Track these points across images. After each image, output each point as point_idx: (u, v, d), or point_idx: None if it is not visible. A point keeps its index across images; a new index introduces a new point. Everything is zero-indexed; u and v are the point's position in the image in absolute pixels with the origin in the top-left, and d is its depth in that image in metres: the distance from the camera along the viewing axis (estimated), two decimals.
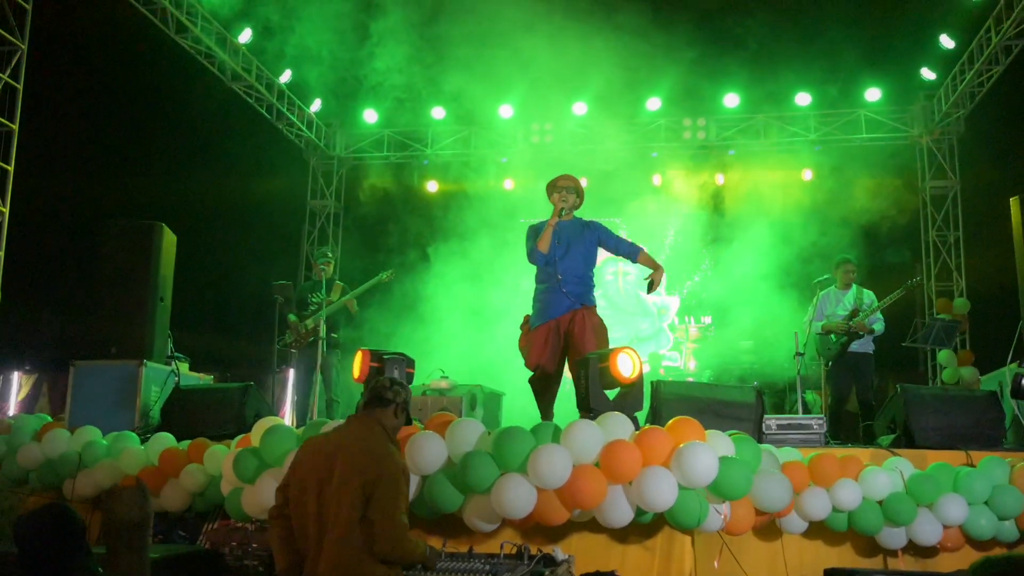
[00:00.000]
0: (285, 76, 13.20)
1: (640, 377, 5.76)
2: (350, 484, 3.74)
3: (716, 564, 5.22)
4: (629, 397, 5.69)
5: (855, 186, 12.89)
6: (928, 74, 12.84)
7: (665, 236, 13.69)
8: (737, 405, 6.81)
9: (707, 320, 13.58)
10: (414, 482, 4.87)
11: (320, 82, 13.48)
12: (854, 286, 9.18)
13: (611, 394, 5.90)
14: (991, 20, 11.24)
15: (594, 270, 6.91)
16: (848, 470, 5.61)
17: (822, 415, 7.09)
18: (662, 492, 4.69)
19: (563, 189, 6.84)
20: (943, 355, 12.94)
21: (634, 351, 5.84)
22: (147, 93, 11.46)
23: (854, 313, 8.92)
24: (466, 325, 11.98)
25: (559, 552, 4.51)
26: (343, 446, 3.92)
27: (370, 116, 14.51)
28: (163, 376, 8.02)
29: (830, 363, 8.98)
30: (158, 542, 6.10)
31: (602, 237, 6.89)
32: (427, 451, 4.91)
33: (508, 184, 14.23)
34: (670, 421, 5.10)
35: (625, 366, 5.74)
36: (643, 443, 4.86)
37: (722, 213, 13.33)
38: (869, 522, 5.50)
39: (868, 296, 9.08)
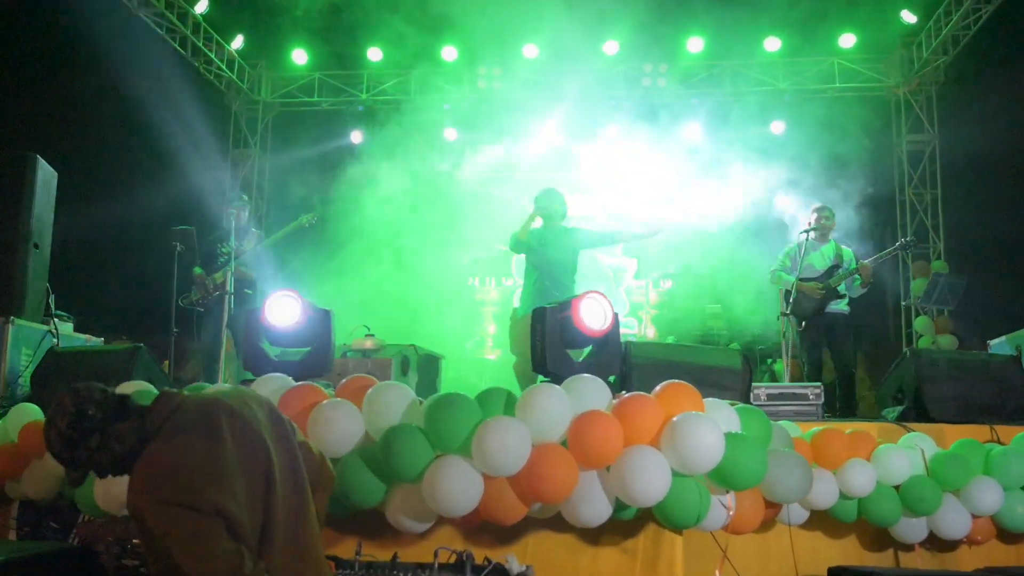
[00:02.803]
0: (201, 5, 11.67)
1: (614, 330, 4.58)
2: None
3: (718, 574, 4.05)
4: (601, 357, 4.51)
5: (826, 141, 11.84)
6: (908, 17, 11.77)
7: (622, 191, 12.54)
8: (721, 371, 5.70)
9: (667, 285, 12.46)
10: None
11: (242, 14, 12.07)
12: (832, 240, 8.13)
13: (577, 356, 4.74)
14: None
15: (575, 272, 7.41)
16: (859, 448, 4.61)
17: (818, 383, 6.03)
18: (651, 480, 3.52)
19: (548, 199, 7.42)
20: (920, 321, 12.04)
21: (603, 296, 4.66)
22: (34, 14, 9.89)
23: (832, 270, 7.88)
24: (398, 282, 10.75)
25: (513, 561, 3.33)
26: None
27: (299, 56, 13.05)
28: (37, 337, 6.68)
29: (803, 323, 7.91)
30: (24, 535, 5.03)
31: (583, 237, 7.52)
32: (337, 425, 3.68)
33: (450, 134, 12.90)
34: (660, 386, 3.92)
35: (592, 315, 4.58)
36: (625, 415, 3.67)
37: (684, 166, 12.17)
38: (884, 511, 4.52)
39: (847, 255, 8.04)
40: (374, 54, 12.81)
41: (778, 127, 12.44)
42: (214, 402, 2.76)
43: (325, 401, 3.78)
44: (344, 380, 3.94)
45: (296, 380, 4.08)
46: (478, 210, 11.99)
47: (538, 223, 7.46)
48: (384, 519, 3.78)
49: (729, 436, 3.68)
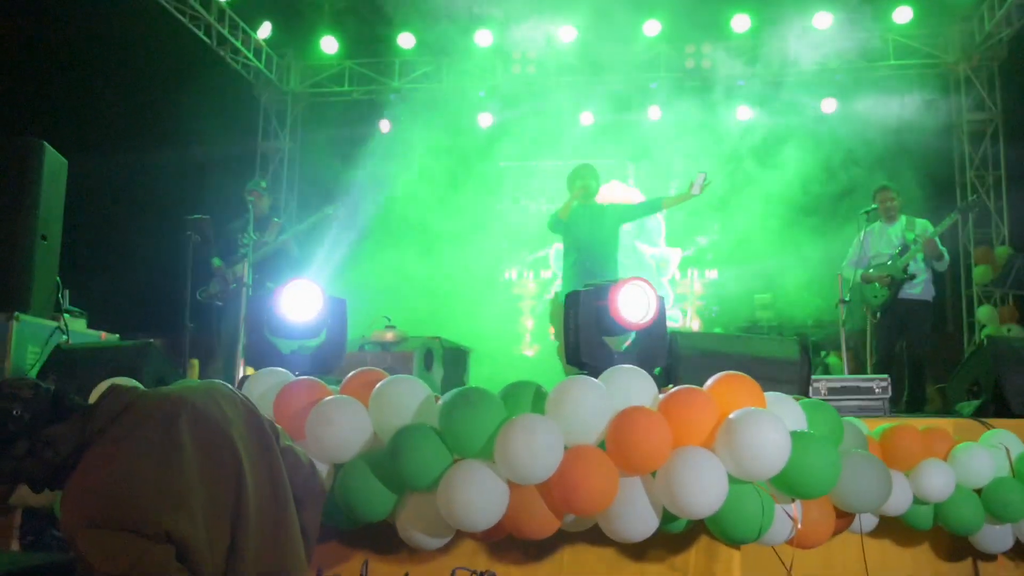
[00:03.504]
0: None
1: (660, 318, 4.04)
2: None
3: None
4: (644, 347, 3.98)
5: (881, 120, 11.20)
6: None
7: (669, 180, 11.97)
8: (777, 362, 5.17)
9: (713, 275, 11.85)
10: (322, 472, 3.16)
11: (269, 1, 11.68)
12: (902, 217, 7.54)
13: (617, 346, 4.22)
14: None
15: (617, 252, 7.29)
16: (934, 447, 4.06)
17: (885, 375, 5.46)
18: (705, 488, 2.98)
19: (585, 175, 7.27)
20: (983, 311, 11.32)
21: (646, 282, 4.13)
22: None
23: (903, 251, 7.30)
24: (428, 272, 10.28)
25: None
26: None
27: (328, 45, 12.61)
28: (45, 334, 6.30)
29: (878, 314, 7.35)
30: (27, 545, 4.66)
31: (624, 213, 7.45)
32: (339, 426, 3.17)
33: (485, 119, 12.38)
34: (713, 378, 3.38)
35: (633, 304, 4.04)
36: (673, 412, 3.14)
37: (732, 151, 11.56)
38: (965, 517, 3.99)
39: (921, 225, 7.45)
40: (406, 40, 12.34)
41: (829, 105, 11.76)
42: (174, 399, 2.27)
43: (327, 398, 3.29)
44: (350, 375, 3.45)
45: (302, 376, 3.61)
46: (514, 199, 11.55)
47: (576, 201, 7.25)
48: (395, 533, 3.28)
49: (796, 435, 3.14)
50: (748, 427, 3.03)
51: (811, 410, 3.45)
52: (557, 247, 12.15)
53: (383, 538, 3.42)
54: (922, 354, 7.30)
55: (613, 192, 11.46)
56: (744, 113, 11.95)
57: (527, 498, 3.10)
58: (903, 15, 11.56)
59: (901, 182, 9.92)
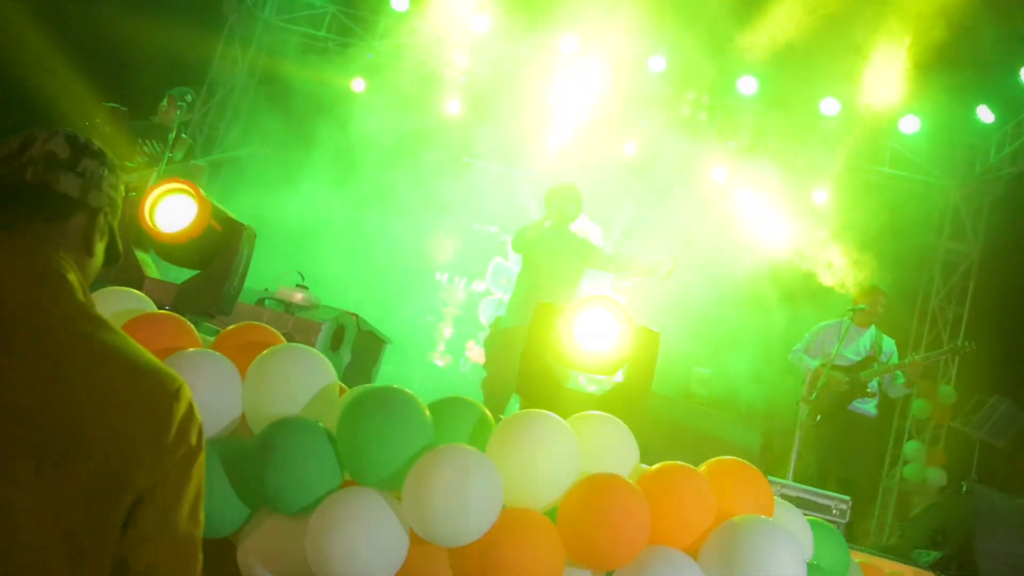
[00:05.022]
0: None
1: (645, 352, 3.15)
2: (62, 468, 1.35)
3: None
4: (621, 396, 3.08)
5: (862, 221, 10.63)
6: (985, 115, 10.57)
7: (621, 218, 11.25)
8: (735, 448, 4.37)
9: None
10: None
11: None
12: (873, 326, 6.88)
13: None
14: None
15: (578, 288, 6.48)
16: None
17: (847, 497, 4.71)
18: None
19: (563, 197, 6.43)
20: (911, 446, 10.77)
21: (616, 303, 3.26)
22: None
23: (867, 362, 6.63)
24: (356, 249, 9.25)
25: None
26: None
27: None
28: None
29: (819, 417, 6.63)
30: None
31: (591, 254, 6.56)
32: (198, 389, 2.20)
33: (453, 106, 11.42)
34: (712, 462, 2.51)
35: (599, 330, 3.17)
36: (658, 495, 2.24)
37: (702, 208, 10.90)
38: None
39: (888, 344, 6.81)
40: (400, 3, 11.35)
41: (819, 196, 11.16)
42: None
43: (191, 349, 2.31)
44: (232, 327, 2.48)
45: (163, 309, 2.62)
46: (470, 199, 10.66)
47: (548, 223, 6.37)
48: (232, 559, 2.31)
49: (812, 570, 2.28)
50: (757, 544, 2.15)
51: (820, 534, 2.59)
52: (498, 261, 11.31)
53: (212, 560, 2.44)
54: (860, 476, 6.62)
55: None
56: (720, 174, 11.29)
57: (431, 560, 2.16)
58: (910, 125, 11.04)
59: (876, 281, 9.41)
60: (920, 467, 10.51)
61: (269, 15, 12.08)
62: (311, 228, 8.89)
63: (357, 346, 4.45)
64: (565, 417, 2.43)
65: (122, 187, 1.71)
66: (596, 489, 2.16)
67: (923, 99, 10.66)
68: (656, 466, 2.37)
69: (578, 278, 6.45)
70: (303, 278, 4.29)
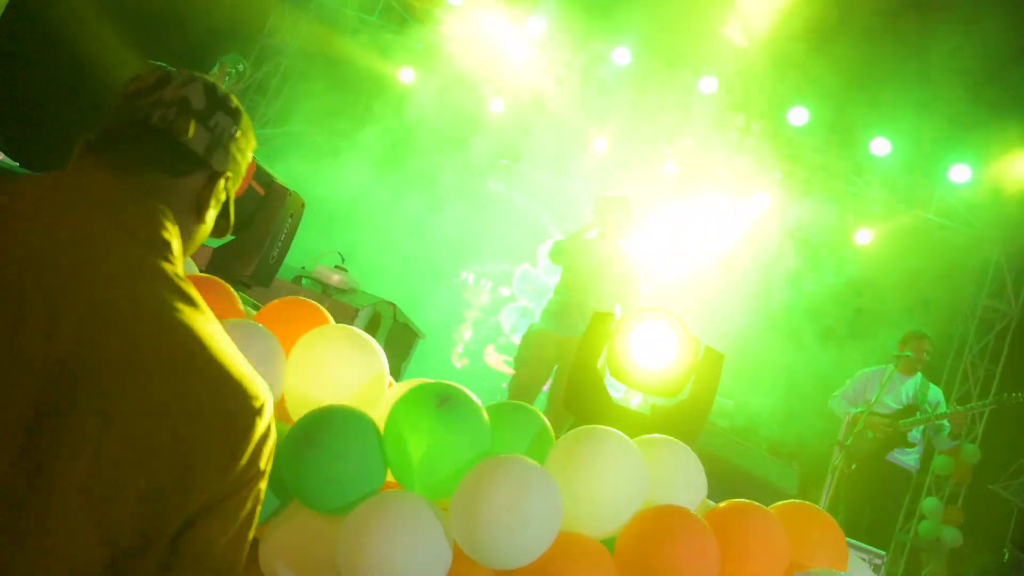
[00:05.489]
0: None
1: (707, 375, 2.95)
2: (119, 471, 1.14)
3: None
4: (677, 420, 2.87)
5: (906, 265, 10.37)
6: None
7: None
8: (771, 489, 4.17)
9: None
10: None
11: None
12: (919, 373, 6.65)
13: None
14: None
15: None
16: None
17: (882, 552, 4.47)
18: None
19: (612, 208, 6.22)
20: (929, 502, 10.48)
21: (679, 318, 3.06)
22: None
23: (909, 410, 6.40)
24: (390, 236, 9.07)
25: None
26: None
27: None
28: None
29: (854, 465, 6.41)
30: None
31: (625, 291, 6.13)
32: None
33: (497, 105, 11.20)
34: (780, 504, 2.29)
35: (660, 346, 2.97)
36: (729, 534, 2.02)
37: (742, 235, 10.71)
38: None
39: (935, 393, 6.57)
40: None
41: (863, 236, 10.91)
42: None
43: (235, 319, 2.11)
44: (279, 300, 2.28)
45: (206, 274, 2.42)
46: (506, 203, 10.52)
47: (593, 233, 6.20)
48: (253, 555, 2.10)
49: None
50: None
51: None
52: (525, 267, 11.10)
53: None
54: (889, 531, 6.38)
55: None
56: (762, 202, 11.07)
57: None
58: (961, 174, 10.77)
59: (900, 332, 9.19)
60: (936, 525, 10.21)
61: None
62: (347, 210, 8.72)
63: (391, 337, 4.25)
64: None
65: (250, 154, 1.51)
66: (662, 521, 1.95)
67: (978, 148, 10.43)
68: (726, 503, 2.15)
69: (615, 300, 6.19)
70: (343, 259, 4.09)
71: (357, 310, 3.74)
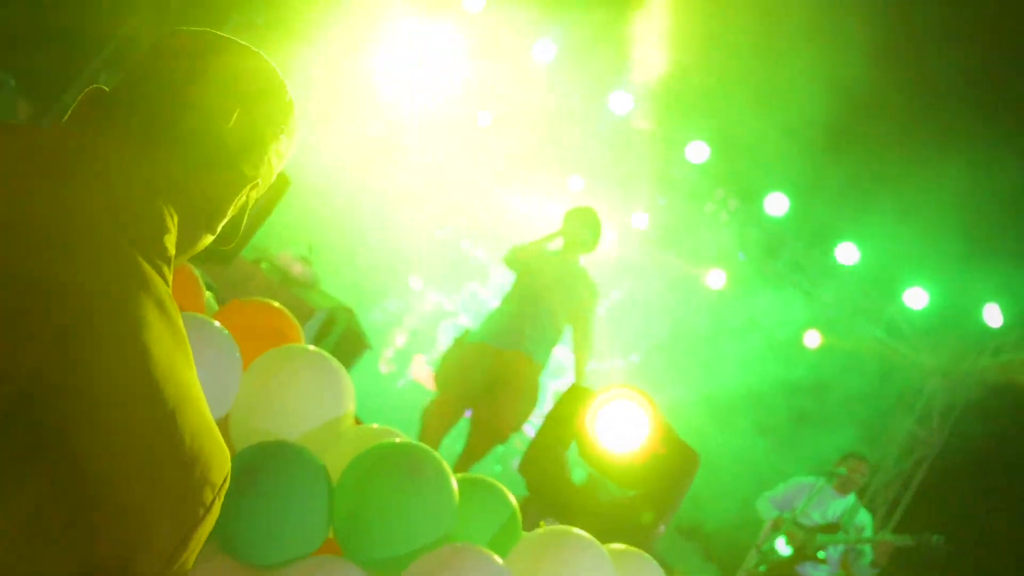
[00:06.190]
0: None
1: (677, 472, 2.73)
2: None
3: None
4: (646, 505, 2.64)
5: (845, 377, 10.39)
6: (993, 317, 10.28)
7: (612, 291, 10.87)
8: None
9: None
10: None
11: None
12: (852, 495, 6.55)
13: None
14: None
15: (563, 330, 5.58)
16: None
17: None
18: None
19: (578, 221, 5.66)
20: None
21: (642, 394, 2.85)
22: None
23: (832, 528, 6.29)
24: (366, 229, 8.62)
25: None
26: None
27: None
28: None
29: (763, 568, 6.27)
30: None
31: (584, 312, 5.57)
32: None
33: (484, 118, 10.86)
34: None
35: (620, 427, 2.76)
36: None
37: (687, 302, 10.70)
38: None
39: (863, 518, 6.48)
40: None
41: (811, 338, 10.92)
42: None
43: (192, 314, 1.80)
44: (238, 302, 1.97)
45: None
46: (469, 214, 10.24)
47: (557, 244, 5.60)
48: None
49: None
50: None
51: None
52: (474, 286, 10.83)
53: None
54: None
55: None
56: (718, 280, 11.04)
57: None
58: (917, 299, 10.75)
59: (831, 441, 9.15)
60: None
61: None
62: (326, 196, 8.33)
63: (340, 344, 3.93)
64: (571, 520, 2.01)
65: (286, 159, 1.22)
66: None
67: (937, 274, 10.46)
68: None
69: (564, 322, 5.57)
70: (311, 251, 3.76)
71: (313, 310, 3.44)
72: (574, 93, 10.77)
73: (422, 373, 10.13)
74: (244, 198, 1.14)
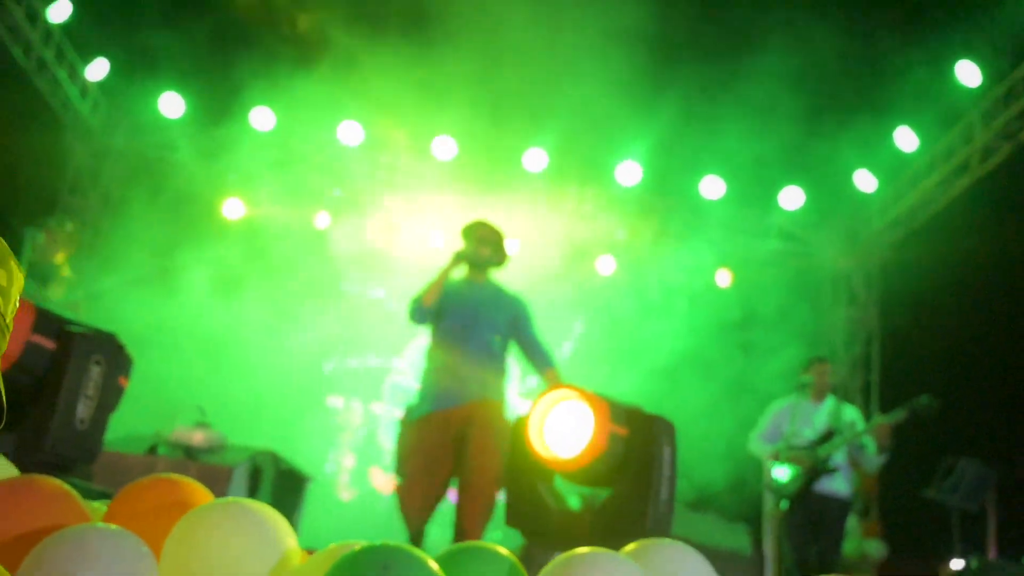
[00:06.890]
0: (60, 10, 9.32)
1: (642, 447, 2.55)
2: None
3: None
4: (612, 513, 2.45)
5: (768, 299, 10.46)
6: (865, 181, 10.51)
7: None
8: (729, 554, 3.83)
9: None
10: None
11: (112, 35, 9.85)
12: (830, 397, 6.53)
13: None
14: (976, 114, 9.00)
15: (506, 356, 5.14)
16: None
17: None
18: None
19: (476, 238, 5.12)
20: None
21: (585, 394, 2.69)
22: None
23: (825, 437, 6.24)
24: (248, 372, 8.30)
25: None
26: None
27: (171, 104, 10.65)
28: None
29: (784, 504, 6.14)
30: None
31: (520, 322, 5.12)
32: None
33: (322, 220, 10.75)
34: None
35: (562, 430, 2.61)
36: None
37: (590, 297, 10.69)
38: None
39: (850, 412, 6.48)
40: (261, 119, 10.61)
41: (722, 278, 11.01)
42: None
43: (76, 527, 1.55)
44: (130, 486, 1.73)
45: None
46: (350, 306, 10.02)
47: (460, 272, 5.11)
48: None
49: None
50: None
51: None
52: (393, 381, 10.54)
53: None
54: (837, 562, 6.12)
55: None
56: (608, 265, 11.12)
57: None
58: (792, 199, 10.91)
59: (785, 359, 9.17)
60: (858, 542, 10.15)
61: (120, 140, 11.27)
62: (199, 353, 8.00)
63: (278, 488, 3.64)
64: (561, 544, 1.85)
65: (12, 308, 1.01)
66: None
67: (804, 169, 10.64)
68: None
69: (505, 344, 5.08)
70: (204, 413, 3.49)
71: (231, 469, 3.16)
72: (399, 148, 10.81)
73: (383, 482, 9.80)
74: None
